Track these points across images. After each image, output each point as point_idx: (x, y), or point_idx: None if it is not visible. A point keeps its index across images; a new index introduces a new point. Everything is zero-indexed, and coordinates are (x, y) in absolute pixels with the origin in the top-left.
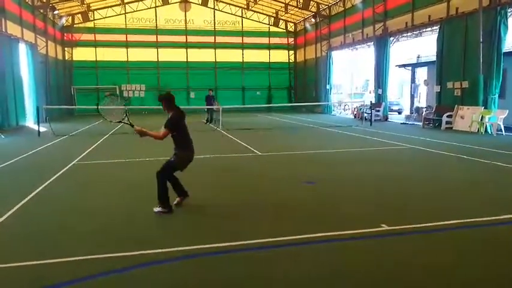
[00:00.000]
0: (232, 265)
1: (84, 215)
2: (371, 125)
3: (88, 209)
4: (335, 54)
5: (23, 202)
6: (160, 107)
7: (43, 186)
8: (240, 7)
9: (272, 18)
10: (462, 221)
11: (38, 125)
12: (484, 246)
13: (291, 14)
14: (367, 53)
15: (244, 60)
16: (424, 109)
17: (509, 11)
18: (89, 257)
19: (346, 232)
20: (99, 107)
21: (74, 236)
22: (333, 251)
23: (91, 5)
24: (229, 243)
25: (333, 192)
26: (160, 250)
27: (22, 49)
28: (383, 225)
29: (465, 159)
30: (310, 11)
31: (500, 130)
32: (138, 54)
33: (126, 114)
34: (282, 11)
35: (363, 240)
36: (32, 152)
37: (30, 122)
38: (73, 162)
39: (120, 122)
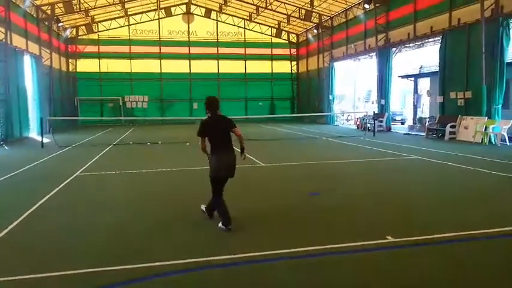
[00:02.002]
0: (238, 277)
1: (87, 228)
2: (374, 135)
3: (91, 222)
4: (337, 65)
5: (25, 215)
6: (160, 118)
7: (46, 198)
8: (243, 19)
9: (274, 30)
10: (467, 232)
11: (42, 136)
12: (487, 259)
13: (293, 25)
14: (369, 64)
15: (247, 71)
16: (427, 119)
17: (511, 21)
18: (92, 270)
19: (351, 244)
20: None
21: (76, 249)
22: (331, 264)
23: (95, 17)
24: (235, 255)
25: (337, 203)
26: (167, 262)
27: (27, 61)
28: (388, 237)
29: (469, 169)
30: (312, 22)
31: (504, 140)
32: (141, 66)
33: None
34: (284, 22)
35: (368, 253)
36: (35, 163)
37: (33, 133)
38: (76, 174)
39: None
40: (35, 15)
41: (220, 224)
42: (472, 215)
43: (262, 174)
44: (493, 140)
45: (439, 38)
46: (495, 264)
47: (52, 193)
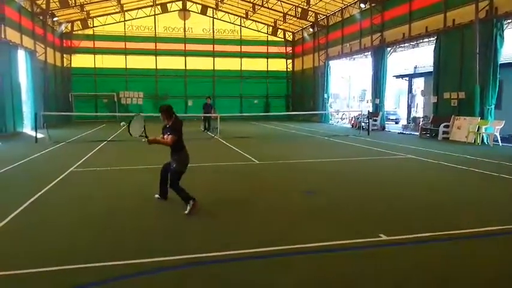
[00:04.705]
0: (233, 271)
1: (81, 224)
2: (368, 134)
3: (85, 218)
4: (332, 63)
5: (18, 210)
6: (159, 114)
7: (40, 193)
8: (239, 16)
9: (270, 28)
10: (458, 231)
11: (36, 131)
12: (476, 258)
13: (289, 23)
14: (364, 63)
15: (243, 69)
16: (421, 119)
17: (505, 23)
18: (86, 265)
19: (344, 242)
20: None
21: (69, 244)
22: (326, 261)
23: (90, 12)
24: (224, 252)
25: (330, 201)
26: (164, 258)
27: (21, 55)
28: (381, 235)
29: (462, 169)
30: (308, 21)
31: (497, 141)
32: (136, 62)
33: (144, 129)
34: (281, 21)
35: (361, 250)
36: (28, 158)
37: (27, 128)
38: (70, 169)
39: (140, 135)
40: (29, 9)
41: (187, 210)
42: (463, 214)
43: (256, 172)
44: (485, 141)
45: (433, 39)
46: (489, 263)
47: (46, 189)
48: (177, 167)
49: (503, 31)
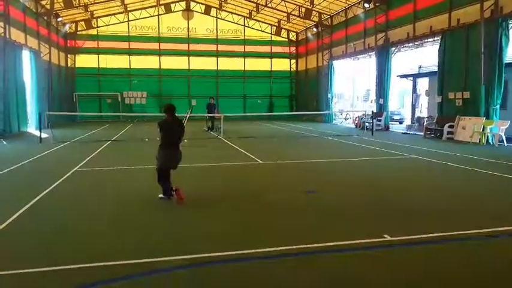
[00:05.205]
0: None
1: (83, 223)
2: (372, 134)
3: (87, 217)
4: (336, 63)
5: (22, 210)
6: (162, 114)
7: (44, 193)
8: (243, 16)
9: (274, 28)
10: (462, 232)
11: (40, 131)
12: (482, 259)
13: (293, 23)
14: (368, 63)
15: (246, 69)
16: (426, 119)
17: (510, 22)
18: (89, 264)
19: (347, 242)
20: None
21: (73, 244)
22: (328, 262)
23: (94, 12)
24: (230, 252)
25: (333, 201)
26: (165, 258)
27: (25, 55)
28: (385, 235)
29: (467, 169)
30: (312, 21)
31: (502, 141)
32: (140, 62)
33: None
34: (284, 21)
35: (365, 251)
36: (33, 158)
37: (31, 128)
38: (74, 169)
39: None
40: (34, 9)
41: (161, 195)
42: (468, 214)
43: (259, 172)
44: (490, 141)
45: (438, 38)
46: (493, 263)
47: (50, 188)
48: (158, 162)
49: (508, 31)
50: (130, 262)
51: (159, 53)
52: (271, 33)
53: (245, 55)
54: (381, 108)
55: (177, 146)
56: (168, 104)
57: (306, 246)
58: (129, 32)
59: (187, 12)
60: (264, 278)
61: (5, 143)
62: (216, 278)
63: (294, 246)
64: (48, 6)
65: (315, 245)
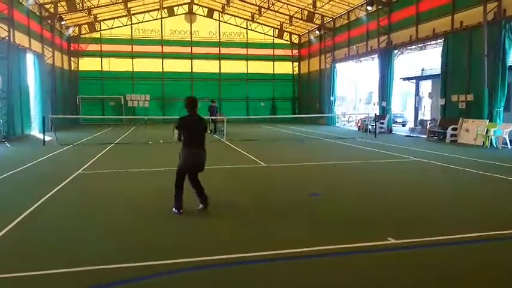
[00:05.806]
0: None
1: (88, 226)
2: (375, 137)
3: (92, 219)
4: (339, 66)
5: (26, 213)
6: (161, 117)
7: (47, 196)
8: (245, 19)
9: (276, 30)
10: (466, 235)
11: (44, 134)
12: (483, 263)
13: (296, 26)
14: (371, 66)
15: (249, 72)
16: (429, 122)
17: None
18: (95, 267)
19: (351, 245)
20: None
21: (77, 246)
22: (331, 265)
23: (98, 16)
24: (234, 255)
25: (337, 204)
26: (170, 261)
27: (29, 59)
28: (389, 238)
29: (470, 172)
30: (315, 24)
31: (506, 143)
32: (143, 65)
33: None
34: (287, 23)
35: (370, 254)
36: (36, 161)
37: (35, 131)
38: (78, 172)
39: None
40: (37, 13)
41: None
42: (472, 217)
43: (263, 174)
44: (494, 143)
45: (441, 41)
46: (499, 265)
47: (54, 191)
48: (178, 164)
49: (511, 33)
50: (143, 264)
51: (162, 56)
52: (273, 36)
53: (248, 58)
54: (384, 110)
55: (200, 147)
56: (188, 97)
57: (310, 249)
58: (132, 35)
59: (190, 15)
60: (268, 281)
61: (9, 145)
62: (222, 281)
63: (297, 250)
64: (51, 10)
65: (320, 247)
